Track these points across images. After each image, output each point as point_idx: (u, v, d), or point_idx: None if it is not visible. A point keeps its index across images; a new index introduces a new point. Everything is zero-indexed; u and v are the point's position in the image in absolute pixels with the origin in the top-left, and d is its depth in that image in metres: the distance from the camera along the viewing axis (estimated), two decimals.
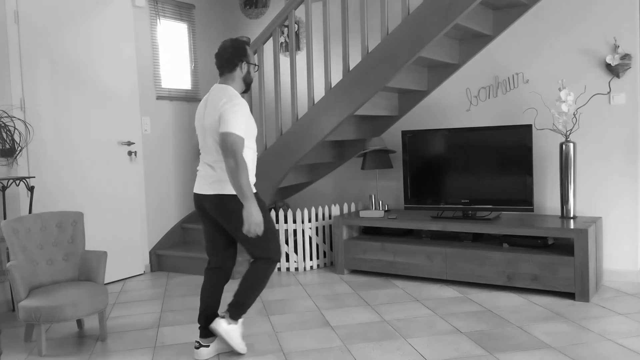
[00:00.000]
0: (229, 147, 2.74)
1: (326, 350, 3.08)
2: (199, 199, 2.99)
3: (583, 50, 4.19)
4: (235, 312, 2.99)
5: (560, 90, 4.08)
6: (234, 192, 2.82)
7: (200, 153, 3.05)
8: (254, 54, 4.73)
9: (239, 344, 3.03)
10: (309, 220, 4.91)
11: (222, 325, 2.95)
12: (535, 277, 3.86)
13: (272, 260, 3.00)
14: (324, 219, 4.98)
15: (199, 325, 3.07)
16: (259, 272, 2.98)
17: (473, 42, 4.58)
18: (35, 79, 4.18)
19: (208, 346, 3.04)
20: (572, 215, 4.12)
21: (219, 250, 3.06)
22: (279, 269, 4.90)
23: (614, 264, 4.17)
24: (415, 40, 3.87)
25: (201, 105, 3.01)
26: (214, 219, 2.99)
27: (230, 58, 2.94)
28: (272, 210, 5.02)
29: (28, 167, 4.15)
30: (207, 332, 3.05)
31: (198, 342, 3.05)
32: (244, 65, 2.98)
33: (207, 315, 3.04)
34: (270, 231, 2.96)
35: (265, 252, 2.98)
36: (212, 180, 2.91)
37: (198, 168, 3.04)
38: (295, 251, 4.92)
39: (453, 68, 4.70)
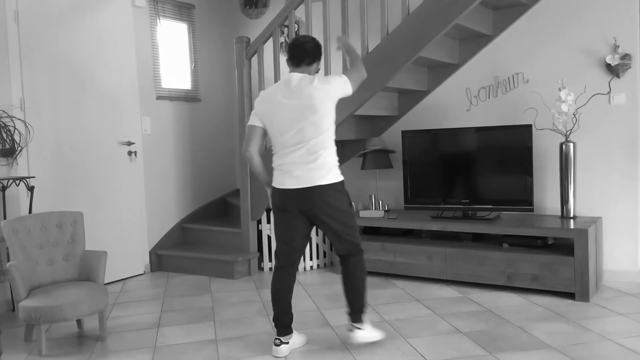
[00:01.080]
0: (354, 72, 3.07)
1: (326, 350, 3.08)
2: (291, 196, 2.95)
3: (583, 50, 4.19)
4: (358, 315, 3.08)
5: (560, 90, 4.08)
6: (329, 182, 2.92)
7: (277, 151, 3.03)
8: (254, 54, 4.75)
9: (376, 336, 3.12)
10: None
11: (359, 335, 3.05)
12: (535, 277, 3.86)
13: (359, 249, 3.10)
14: None
15: (276, 324, 3.11)
16: (358, 272, 3.12)
17: (473, 42, 4.58)
18: (35, 79, 4.18)
19: (288, 342, 3.08)
20: (572, 215, 4.12)
21: (296, 251, 3.08)
22: None
23: (614, 264, 4.17)
24: (415, 40, 3.87)
25: (278, 99, 2.96)
26: (302, 219, 2.99)
27: (312, 53, 3.01)
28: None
29: (28, 167, 4.15)
30: (286, 330, 3.10)
31: (279, 339, 3.08)
32: (317, 65, 3.07)
33: (289, 312, 3.12)
34: (355, 219, 3.08)
35: (357, 238, 3.07)
36: (311, 175, 2.91)
37: (279, 166, 3.00)
38: None
39: (453, 68, 4.69)
